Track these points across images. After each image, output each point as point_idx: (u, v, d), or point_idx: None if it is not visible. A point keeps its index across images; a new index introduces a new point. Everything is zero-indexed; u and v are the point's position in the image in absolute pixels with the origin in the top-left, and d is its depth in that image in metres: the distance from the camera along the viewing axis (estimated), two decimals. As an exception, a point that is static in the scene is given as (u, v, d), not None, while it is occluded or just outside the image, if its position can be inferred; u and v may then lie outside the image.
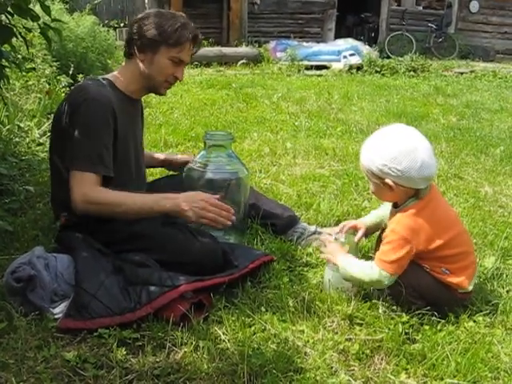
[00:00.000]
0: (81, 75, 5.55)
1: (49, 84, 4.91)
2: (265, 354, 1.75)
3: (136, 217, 2.15)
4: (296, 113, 5.87)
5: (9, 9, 2.21)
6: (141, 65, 2.25)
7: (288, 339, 1.85)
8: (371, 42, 12.62)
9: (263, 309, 2.01)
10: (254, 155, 4.06)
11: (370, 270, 1.96)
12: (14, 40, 2.41)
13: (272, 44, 11.09)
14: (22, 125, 3.94)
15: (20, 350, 1.73)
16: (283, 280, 2.19)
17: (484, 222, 2.98)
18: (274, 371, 1.67)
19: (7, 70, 2.66)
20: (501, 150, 4.58)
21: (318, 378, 1.69)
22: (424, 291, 1.98)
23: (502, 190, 3.63)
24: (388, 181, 1.93)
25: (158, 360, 1.74)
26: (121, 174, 2.22)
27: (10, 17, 2.28)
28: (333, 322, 1.97)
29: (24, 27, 2.58)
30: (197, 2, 11.55)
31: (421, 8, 13.56)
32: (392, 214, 2.05)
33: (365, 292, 2.12)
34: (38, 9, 2.33)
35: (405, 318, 1.96)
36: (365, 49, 10.84)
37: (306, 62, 10.14)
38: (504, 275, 2.37)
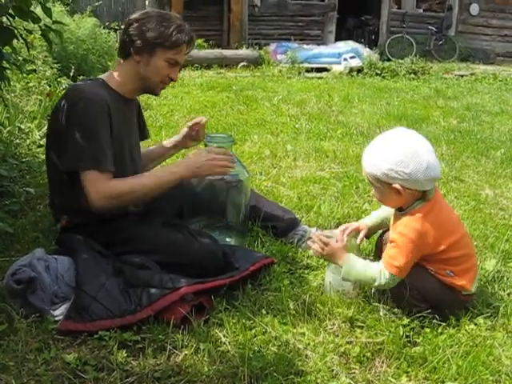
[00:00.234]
0: (81, 77, 5.55)
1: (49, 86, 4.91)
2: (265, 357, 1.74)
3: (156, 195, 2.20)
4: (296, 115, 5.87)
5: (10, 11, 2.21)
6: (137, 66, 2.25)
7: (289, 342, 1.85)
8: (372, 44, 12.62)
9: (264, 311, 2.01)
10: (255, 157, 4.06)
11: (379, 274, 1.95)
12: (14, 42, 2.41)
13: (272, 46, 11.09)
14: (22, 126, 3.94)
15: (20, 352, 1.73)
16: (284, 282, 2.19)
17: (485, 224, 2.97)
18: (275, 374, 1.67)
19: (8, 71, 2.67)
20: (501, 153, 4.58)
21: (318, 380, 1.68)
22: (428, 294, 1.98)
23: (503, 192, 3.63)
24: (396, 185, 1.92)
25: (158, 362, 1.74)
26: (115, 173, 2.21)
27: (11, 19, 2.28)
28: (333, 324, 1.97)
29: (25, 29, 2.58)
30: (197, 4, 11.56)
31: (421, 11, 13.57)
32: (396, 218, 2.05)
33: (365, 295, 2.12)
34: (38, 11, 2.33)
35: (406, 320, 1.96)
36: (365, 51, 10.84)
37: (306, 65, 10.13)
38: (505, 278, 2.37)
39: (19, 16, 2.24)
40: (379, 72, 9.93)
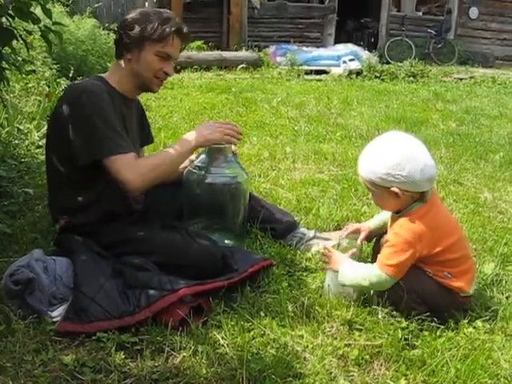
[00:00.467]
0: (80, 78, 5.54)
1: (48, 87, 4.91)
2: (264, 359, 1.74)
3: (178, 165, 2.32)
4: (295, 117, 5.87)
5: (10, 11, 2.21)
6: (129, 63, 2.27)
7: (287, 344, 1.84)
8: (371, 47, 12.64)
9: (262, 313, 2.00)
10: (254, 159, 4.06)
11: (371, 272, 1.96)
12: (14, 42, 2.41)
13: (272, 48, 11.10)
14: (21, 127, 3.94)
15: (18, 354, 1.73)
16: (282, 285, 2.19)
17: (483, 227, 2.97)
18: (273, 376, 1.67)
19: (7, 72, 2.67)
20: (500, 156, 4.58)
21: (317, 383, 1.68)
22: (427, 296, 1.97)
23: (502, 195, 3.63)
24: (394, 189, 1.93)
25: (156, 364, 1.73)
26: None
27: (10, 19, 2.28)
28: (332, 327, 1.96)
29: (24, 30, 2.58)
30: (197, 6, 11.56)
31: (420, 14, 13.59)
32: (393, 220, 2.05)
33: (364, 297, 2.12)
34: (38, 11, 2.33)
35: (404, 323, 1.95)
36: (364, 54, 10.85)
37: (305, 67, 10.14)
38: (503, 281, 2.36)
39: (19, 17, 2.24)
40: (378, 75, 9.94)
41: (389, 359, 1.80)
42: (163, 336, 1.84)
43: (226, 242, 2.50)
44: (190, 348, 1.79)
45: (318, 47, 11.67)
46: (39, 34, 2.38)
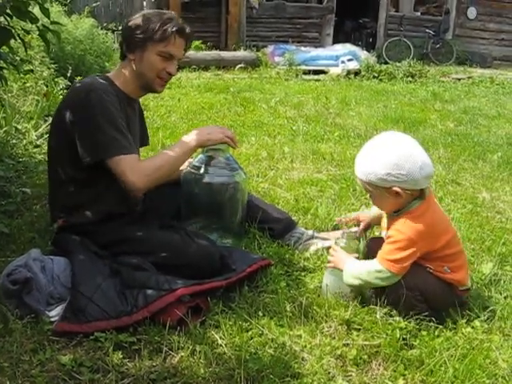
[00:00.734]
0: (79, 77, 5.52)
1: (46, 86, 4.90)
2: (262, 359, 1.74)
3: (180, 165, 2.33)
4: (294, 117, 5.87)
5: (8, 11, 2.20)
6: (132, 64, 2.28)
7: (285, 344, 1.84)
8: (369, 47, 12.65)
9: (260, 313, 2.00)
10: (252, 159, 4.06)
11: (371, 268, 1.96)
12: (12, 42, 2.41)
13: (270, 48, 11.10)
14: (19, 127, 3.93)
15: (15, 354, 1.72)
16: (280, 284, 2.19)
17: (482, 227, 2.97)
18: (271, 376, 1.67)
19: (5, 71, 2.66)
20: (498, 156, 4.58)
21: (315, 383, 1.68)
22: (430, 293, 1.99)
23: (500, 195, 3.63)
24: (396, 188, 1.93)
25: (154, 364, 1.73)
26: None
27: (8, 19, 2.27)
28: (330, 327, 1.96)
29: (22, 29, 2.57)
30: (195, 6, 11.56)
31: (419, 14, 13.59)
32: (391, 219, 2.05)
33: (363, 297, 2.12)
34: (36, 11, 2.32)
35: (402, 323, 1.95)
36: (363, 54, 10.85)
37: (303, 67, 10.14)
38: (502, 281, 2.37)
39: (17, 16, 2.23)
40: (376, 75, 9.95)
41: (387, 359, 1.80)
42: (161, 336, 1.84)
43: (224, 241, 2.50)
44: (188, 348, 1.79)
45: (316, 47, 11.67)
46: (37, 33, 2.37)
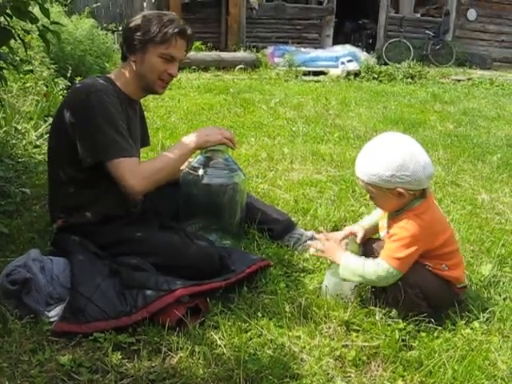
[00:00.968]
0: (79, 78, 5.51)
1: (46, 86, 4.90)
2: (261, 360, 1.74)
3: (179, 167, 2.34)
4: (293, 118, 5.87)
5: (8, 11, 2.20)
6: (133, 65, 2.28)
7: (284, 345, 1.84)
8: (369, 48, 12.64)
9: (260, 314, 2.00)
10: (251, 160, 4.06)
11: (377, 267, 1.95)
12: (12, 42, 2.41)
13: (270, 49, 11.08)
14: (19, 127, 3.93)
15: (14, 354, 1.72)
16: (280, 285, 2.19)
17: (481, 229, 2.97)
18: (270, 377, 1.67)
19: (5, 71, 2.66)
20: (498, 158, 4.59)
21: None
22: (429, 290, 1.99)
23: (499, 197, 3.63)
24: (400, 189, 1.94)
25: (153, 365, 1.73)
26: None
27: (8, 19, 2.27)
28: (329, 328, 1.96)
29: (22, 29, 2.57)
30: (195, 7, 11.56)
31: (419, 15, 13.59)
32: (392, 219, 2.06)
33: (362, 298, 2.12)
34: (36, 11, 2.33)
35: (401, 324, 1.95)
36: (362, 55, 10.85)
37: (303, 68, 10.13)
38: (501, 282, 2.37)
39: (17, 16, 2.23)
40: (376, 76, 9.95)
41: (386, 360, 1.80)
42: (160, 336, 1.84)
43: (224, 242, 2.50)
44: (187, 348, 1.79)
45: (316, 48, 11.66)
46: (37, 33, 2.37)
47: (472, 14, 13.53)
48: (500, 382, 1.74)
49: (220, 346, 1.82)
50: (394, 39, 12.24)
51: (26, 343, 1.78)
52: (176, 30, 2.22)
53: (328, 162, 4.18)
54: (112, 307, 1.89)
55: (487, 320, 2.05)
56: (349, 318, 1.98)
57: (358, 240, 2.28)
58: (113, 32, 9.10)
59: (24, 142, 3.87)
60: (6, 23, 2.28)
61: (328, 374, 1.74)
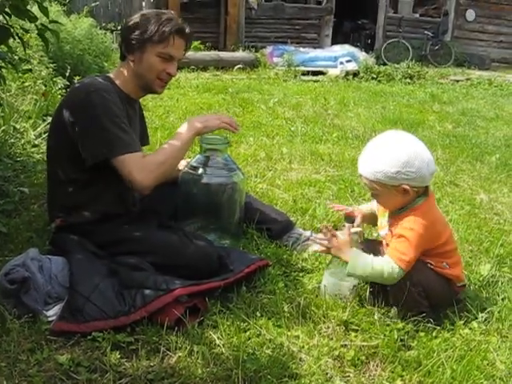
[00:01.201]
0: (77, 77, 5.52)
1: (45, 86, 4.89)
2: (260, 359, 1.74)
3: (182, 156, 2.30)
4: (292, 118, 5.87)
5: (6, 9, 2.20)
6: (132, 65, 2.27)
7: (283, 344, 1.84)
8: (368, 48, 12.64)
9: (258, 314, 2.00)
10: (250, 160, 4.06)
11: (387, 266, 1.95)
12: (10, 41, 2.40)
13: (269, 49, 11.08)
14: (17, 126, 3.93)
15: (12, 353, 1.72)
16: (278, 285, 2.19)
17: (479, 229, 2.98)
18: (269, 376, 1.67)
19: (3, 70, 2.65)
20: (496, 158, 4.59)
21: (313, 383, 1.68)
22: (431, 288, 2.00)
23: (498, 197, 3.64)
24: (405, 186, 1.96)
25: (152, 364, 1.73)
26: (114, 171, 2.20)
27: (7, 17, 2.27)
28: (328, 327, 1.96)
29: (21, 28, 2.57)
30: (194, 7, 11.55)
31: (417, 16, 13.59)
32: (395, 217, 2.07)
33: (360, 298, 2.12)
34: (35, 10, 2.32)
35: (400, 324, 1.95)
36: (361, 55, 10.85)
37: (302, 68, 10.12)
38: (499, 282, 2.37)
39: (16, 15, 2.22)
40: (375, 76, 9.96)
41: (385, 360, 1.80)
42: (159, 336, 1.84)
43: (222, 242, 2.50)
44: (186, 348, 1.79)
45: (314, 48, 11.66)
46: (36, 32, 2.36)
47: (471, 14, 13.54)
48: (498, 382, 1.75)
49: (219, 345, 1.82)
50: (393, 39, 12.24)
51: (24, 342, 1.77)
52: (174, 29, 2.22)
53: (327, 162, 4.18)
54: (111, 307, 1.89)
55: (486, 320, 2.06)
56: (347, 317, 1.98)
57: (356, 225, 2.26)
58: (111, 31, 9.08)
59: (22, 141, 3.87)
60: (5, 22, 2.28)
61: (327, 373, 1.74)
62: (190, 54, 9.60)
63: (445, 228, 2.10)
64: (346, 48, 11.25)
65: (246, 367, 1.69)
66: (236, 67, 10.06)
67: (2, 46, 2.42)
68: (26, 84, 4.68)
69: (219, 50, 11.11)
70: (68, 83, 5.27)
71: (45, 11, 2.26)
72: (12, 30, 2.27)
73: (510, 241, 2.83)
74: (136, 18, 2.26)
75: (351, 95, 7.80)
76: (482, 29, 13.76)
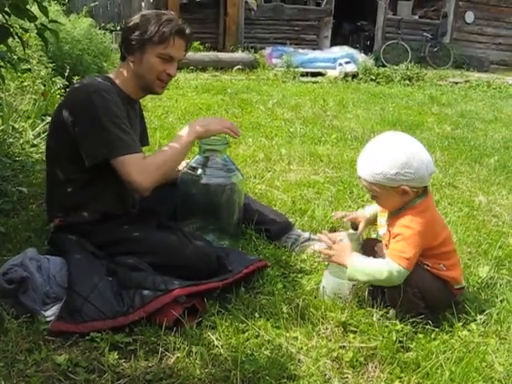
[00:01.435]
0: (76, 77, 5.53)
1: (44, 85, 4.89)
2: (258, 361, 1.74)
3: (182, 159, 2.30)
4: (291, 119, 5.87)
5: (6, 8, 2.19)
6: (132, 66, 2.27)
7: (281, 346, 1.84)
8: (367, 50, 12.66)
9: (257, 315, 2.00)
10: (249, 161, 4.06)
11: (388, 267, 1.94)
12: (10, 40, 2.40)
13: (268, 50, 11.09)
14: (16, 125, 3.92)
15: (10, 353, 1.72)
16: (277, 286, 2.18)
17: (478, 231, 2.98)
18: (268, 378, 1.67)
19: (3, 70, 2.65)
20: (495, 160, 4.60)
21: (311, 385, 1.68)
22: (427, 291, 2.00)
23: (496, 199, 3.64)
24: (404, 187, 1.97)
25: (150, 365, 1.72)
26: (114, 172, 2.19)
27: (7, 17, 2.26)
28: (326, 329, 1.96)
29: (21, 27, 2.56)
30: (193, 7, 11.55)
31: (416, 17, 13.62)
32: (393, 217, 2.07)
33: (359, 299, 2.12)
34: (34, 9, 2.32)
35: (399, 326, 1.95)
36: (360, 57, 10.87)
37: (301, 69, 10.14)
38: (498, 284, 2.37)
39: (15, 14, 2.22)
40: (374, 78, 9.97)
41: (383, 361, 1.80)
42: (157, 336, 1.84)
43: (221, 242, 2.50)
44: (184, 349, 1.78)
45: (314, 49, 11.69)
46: (35, 32, 2.36)
47: (470, 16, 13.57)
48: (497, 384, 1.75)
49: (217, 346, 1.82)
50: (392, 41, 12.26)
51: (22, 342, 1.77)
52: (174, 30, 2.22)
53: (325, 163, 4.18)
54: (109, 307, 1.89)
55: (484, 322, 2.05)
56: (346, 319, 1.98)
57: (359, 231, 2.27)
58: (111, 31, 9.08)
59: (21, 140, 3.87)
60: (5, 21, 2.27)
61: (325, 375, 1.74)
62: (189, 54, 9.55)
63: (442, 229, 2.10)
64: (345, 49, 11.28)
65: (245, 368, 1.69)
66: (235, 68, 10.07)
67: (2, 46, 2.42)
68: (25, 83, 4.68)
69: (218, 51, 11.12)
70: (67, 83, 5.27)
71: (44, 11, 2.25)
72: (12, 29, 2.26)
73: (509, 243, 2.83)
74: (136, 18, 2.26)
75: (350, 97, 7.81)
76: (480, 31, 13.79)
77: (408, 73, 10.24)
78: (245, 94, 7.48)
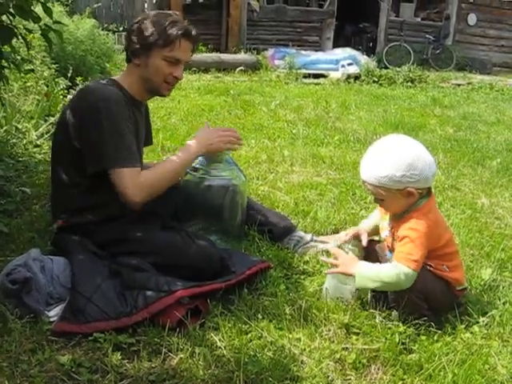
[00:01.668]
0: (79, 78, 5.54)
1: (47, 86, 4.89)
2: (261, 362, 1.74)
3: (179, 177, 2.34)
4: (293, 121, 5.87)
5: (10, 9, 2.20)
6: (138, 68, 2.26)
7: (284, 347, 1.84)
8: (369, 51, 12.65)
9: (260, 316, 2.00)
10: (252, 162, 4.06)
11: (396, 270, 1.94)
12: (13, 41, 2.40)
13: (270, 51, 11.09)
14: (19, 126, 3.93)
15: (14, 353, 1.72)
16: (280, 287, 2.18)
17: (481, 233, 2.98)
18: (270, 379, 1.67)
19: (6, 70, 2.66)
20: (497, 162, 4.59)
21: (314, 386, 1.68)
22: (430, 292, 2.00)
23: (499, 201, 3.64)
24: (410, 189, 1.97)
25: (153, 366, 1.73)
26: None
27: (11, 17, 2.27)
28: (329, 330, 1.96)
29: (25, 28, 2.57)
30: (196, 9, 11.57)
31: (419, 19, 13.60)
32: (397, 220, 2.07)
33: (362, 301, 2.12)
34: (38, 10, 2.32)
35: (402, 327, 1.95)
36: (363, 58, 10.86)
37: (303, 71, 10.13)
38: (500, 287, 2.37)
39: (19, 15, 2.23)
40: (376, 79, 9.97)
41: (386, 363, 1.80)
42: (160, 337, 1.84)
43: (224, 244, 2.50)
44: (187, 350, 1.79)
45: (316, 51, 11.68)
46: (39, 32, 2.37)
47: (472, 18, 13.55)
48: (500, 387, 1.75)
49: (220, 347, 1.82)
50: (395, 43, 12.25)
51: (25, 343, 1.77)
52: (180, 32, 2.20)
53: (328, 165, 4.18)
54: (112, 308, 1.89)
55: (487, 324, 2.05)
56: (349, 320, 1.98)
57: (364, 243, 2.27)
58: (113, 32, 9.11)
59: (24, 141, 3.87)
60: (9, 22, 2.28)
61: (328, 376, 1.74)
62: (192, 55, 9.60)
63: (445, 230, 2.11)
64: (348, 51, 11.26)
65: (248, 369, 1.69)
66: (238, 69, 10.07)
67: (6, 47, 2.42)
68: (28, 84, 4.68)
69: (221, 52, 11.13)
70: (70, 84, 5.28)
71: (48, 12, 2.26)
72: (16, 30, 2.27)
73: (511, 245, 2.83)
74: (141, 20, 2.23)
75: (353, 98, 7.81)
76: (483, 33, 13.77)
77: (410, 75, 10.23)
78: (247, 95, 7.48)
